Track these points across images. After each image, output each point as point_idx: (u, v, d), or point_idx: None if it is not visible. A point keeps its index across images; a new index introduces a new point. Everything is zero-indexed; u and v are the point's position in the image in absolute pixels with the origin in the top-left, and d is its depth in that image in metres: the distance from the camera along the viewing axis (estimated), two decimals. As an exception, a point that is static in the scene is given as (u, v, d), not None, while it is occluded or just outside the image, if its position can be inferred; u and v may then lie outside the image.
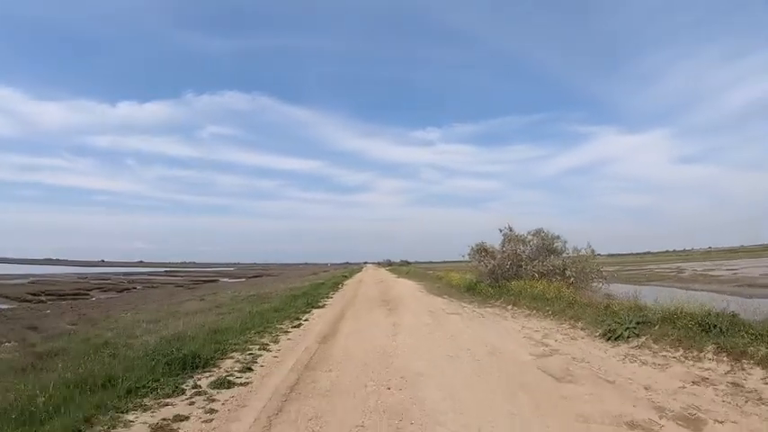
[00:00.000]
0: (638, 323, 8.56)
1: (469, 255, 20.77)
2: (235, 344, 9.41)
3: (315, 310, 15.77)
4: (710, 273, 38.61)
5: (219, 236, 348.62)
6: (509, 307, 14.33)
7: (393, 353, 8.25)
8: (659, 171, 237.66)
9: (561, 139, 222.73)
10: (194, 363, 7.59)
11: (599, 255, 19.63)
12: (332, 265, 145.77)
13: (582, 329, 9.72)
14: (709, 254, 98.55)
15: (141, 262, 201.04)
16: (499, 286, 17.87)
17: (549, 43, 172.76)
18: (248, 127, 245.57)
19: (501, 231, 20.03)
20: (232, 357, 8.36)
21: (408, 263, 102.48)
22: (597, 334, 9.04)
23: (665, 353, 7.39)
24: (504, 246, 19.71)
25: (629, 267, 53.07)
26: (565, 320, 10.93)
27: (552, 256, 18.60)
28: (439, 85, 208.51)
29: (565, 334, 9.50)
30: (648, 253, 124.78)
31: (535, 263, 17.95)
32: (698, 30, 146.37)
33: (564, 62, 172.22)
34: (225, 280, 65.04)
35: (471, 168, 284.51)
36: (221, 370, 7.43)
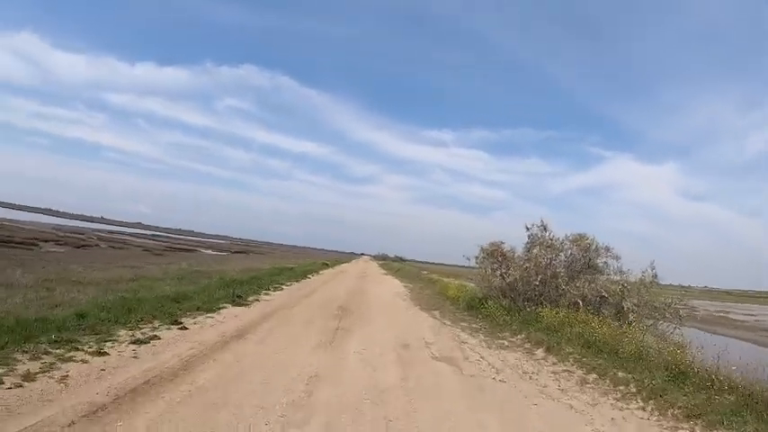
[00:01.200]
0: None
1: (478, 259, 14.76)
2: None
3: (228, 310, 10.01)
4: (728, 315, 34.51)
5: (223, 209, 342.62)
6: (539, 352, 8.37)
7: None
8: (666, 203, 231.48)
9: (574, 158, 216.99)
10: None
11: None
12: (329, 251, 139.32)
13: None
14: (709, 293, 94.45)
15: (140, 224, 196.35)
16: (519, 310, 11.91)
17: (570, 62, 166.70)
18: (264, 104, 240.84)
19: (528, 230, 14.04)
20: None
21: (403, 260, 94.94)
22: None
23: None
24: (529, 251, 13.73)
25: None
26: (685, 419, 4.99)
27: (602, 277, 12.62)
28: (457, 87, 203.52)
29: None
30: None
31: (578, 284, 11.94)
32: (722, 71, 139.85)
33: (583, 83, 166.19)
34: (206, 251, 59.68)
35: (481, 175, 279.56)
36: None
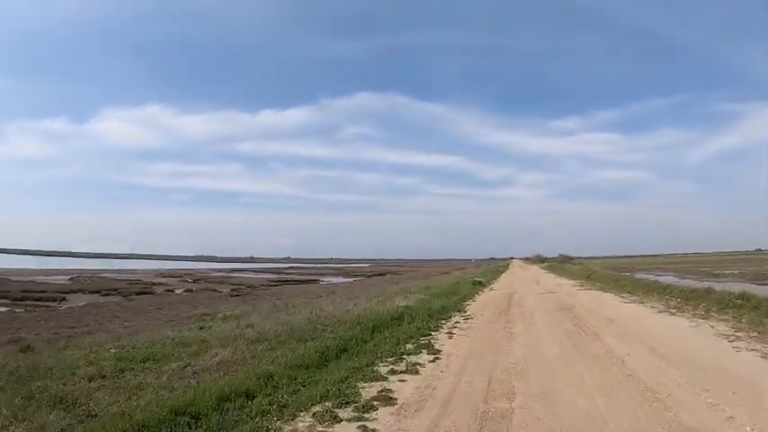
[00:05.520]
0: None
1: None
2: None
3: None
4: None
5: (363, 233, 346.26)
6: None
7: None
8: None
9: (709, 120, 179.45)
10: None
11: None
12: (476, 260, 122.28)
13: None
14: None
15: (289, 258, 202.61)
16: None
17: (686, 16, 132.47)
18: (385, 126, 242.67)
19: None
20: None
21: (570, 258, 72.81)
22: None
23: None
24: None
25: None
26: None
27: None
28: (574, 69, 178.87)
29: None
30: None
31: None
32: None
33: (704, 34, 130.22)
34: (331, 279, 50.13)
35: (615, 158, 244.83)
36: None
